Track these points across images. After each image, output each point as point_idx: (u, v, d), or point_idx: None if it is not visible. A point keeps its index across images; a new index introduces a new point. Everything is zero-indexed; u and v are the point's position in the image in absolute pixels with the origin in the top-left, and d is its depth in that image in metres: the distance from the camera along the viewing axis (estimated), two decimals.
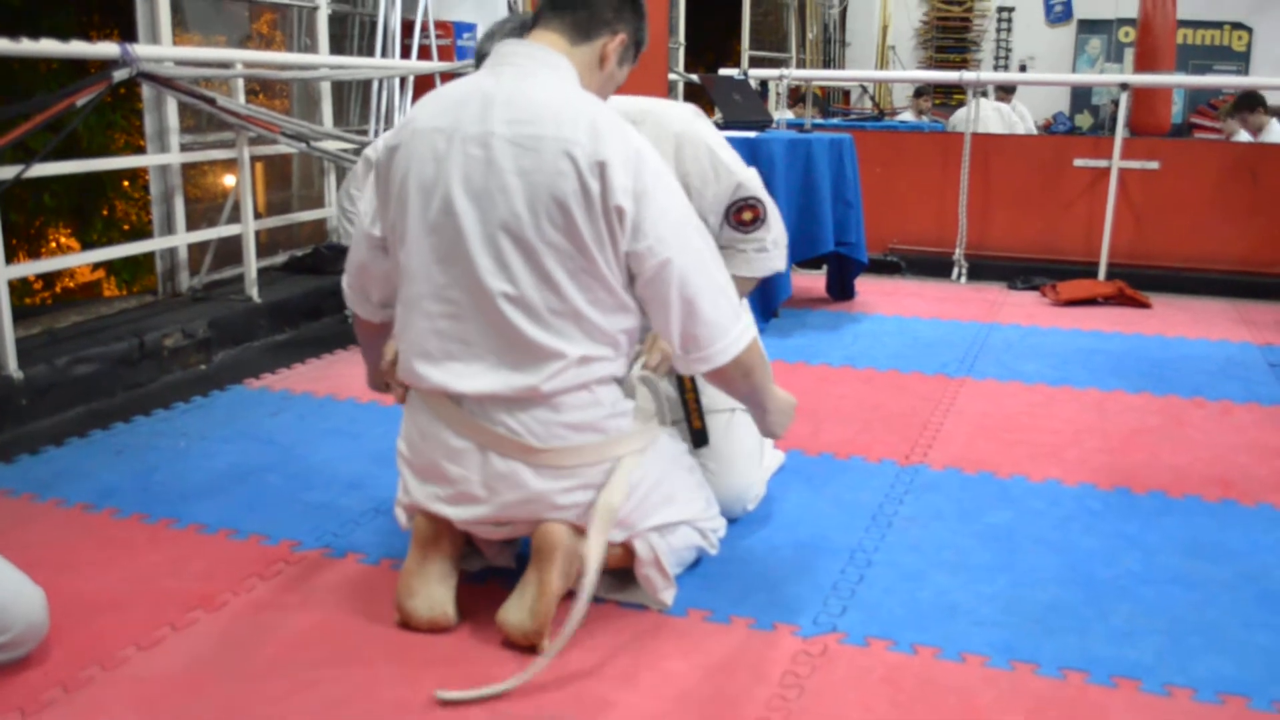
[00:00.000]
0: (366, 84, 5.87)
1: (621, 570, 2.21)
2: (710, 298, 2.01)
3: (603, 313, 2.00)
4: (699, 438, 2.58)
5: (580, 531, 2.08)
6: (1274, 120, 7.21)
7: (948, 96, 11.64)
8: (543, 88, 2.00)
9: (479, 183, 1.96)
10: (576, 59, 2.08)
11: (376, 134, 5.63)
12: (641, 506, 2.12)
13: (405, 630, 2.11)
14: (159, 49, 4.25)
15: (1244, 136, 7.52)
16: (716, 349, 2.04)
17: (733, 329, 2.05)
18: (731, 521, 2.51)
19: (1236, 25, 11.88)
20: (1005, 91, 8.98)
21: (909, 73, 12.13)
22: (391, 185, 2.06)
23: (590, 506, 2.05)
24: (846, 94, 12.31)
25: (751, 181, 2.56)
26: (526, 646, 2.03)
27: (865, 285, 5.67)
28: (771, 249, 2.60)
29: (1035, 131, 8.92)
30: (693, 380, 2.56)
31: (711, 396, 2.60)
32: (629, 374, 2.13)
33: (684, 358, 2.06)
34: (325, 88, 5.57)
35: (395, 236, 2.08)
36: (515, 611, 2.05)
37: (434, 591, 2.13)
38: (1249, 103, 7.19)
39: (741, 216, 2.54)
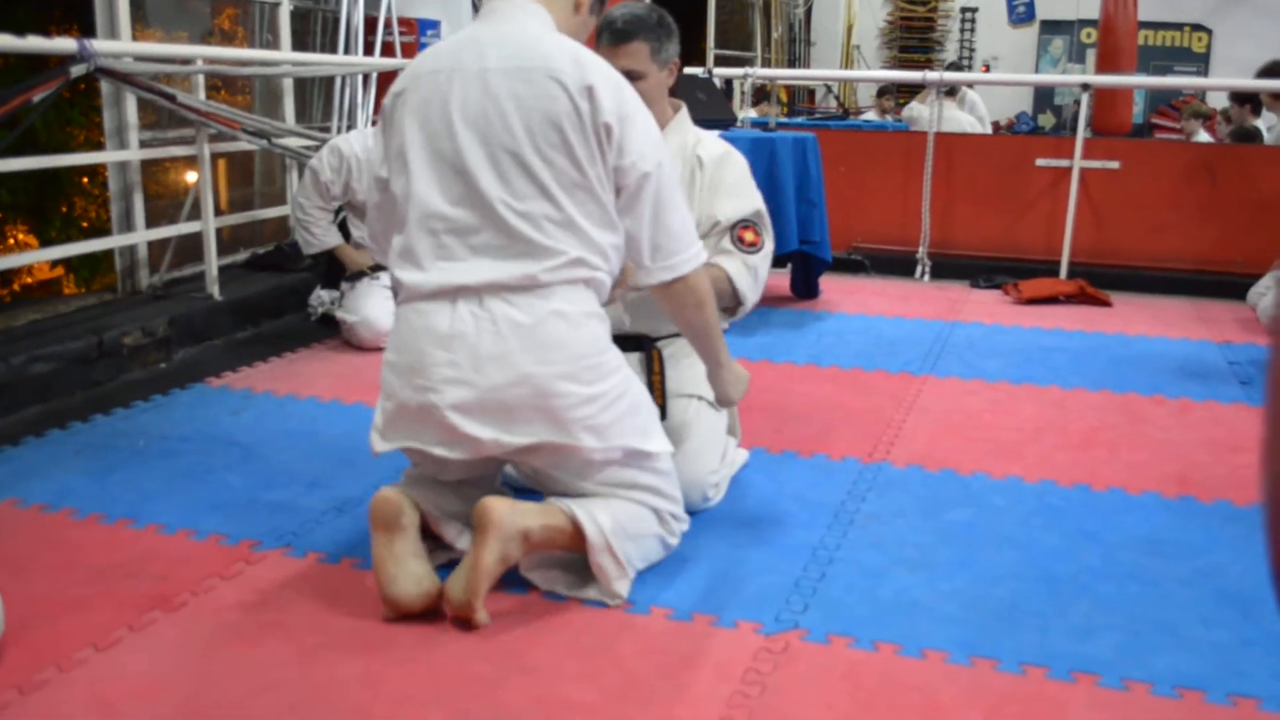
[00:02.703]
0: (329, 81, 5.83)
1: (579, 566, 2.23)
2: (678, 214, 2.27)
3: (595, 225, 2.18)
4: (659, 413, 2.63)
5: (527, 513, 2.14)
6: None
7: (912, 96, 11.70)
8: (527, 31, 2.22)
9: (476, 110, 2.15)
10: (555, 7, 2.30)
11: (339, 131, 5.60)
12: (618, 421, 2.19)
13: (391, 624, 2.11)
14: (117, 44, 4.21)
15: (1204, 137, 7.59)
16: (680, 259, 2.27)
17: (694, 245, 2.31)
18: (692, 515, 2.52)
19: (1196, 27, 12.03)
20: (950, 94, 8.72)
21: (873, 72, 12.20)
22: (396, 123, 2.23)
23: (582, 402, 2.13)
24: (811, 93, 12.36)
25: (766, 218, 2.90)
26: (461, 620, 2.09)
27: (829, 284, 5.69)
28: (751, 280, 2.84)
29: (987, 122, 8.85)
30: (660, 362, 2.73)
31: (677, 381, 2.77)
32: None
33: (650, 267, 2.27)
34: (287, 84, 5.53)
35: (399, 164, 2.21)
36: (453, 583, 2.10)
37: (413, 568, 2.15)
38: (1248, 100, 7.18)
39: (744, 235, 2.82)
